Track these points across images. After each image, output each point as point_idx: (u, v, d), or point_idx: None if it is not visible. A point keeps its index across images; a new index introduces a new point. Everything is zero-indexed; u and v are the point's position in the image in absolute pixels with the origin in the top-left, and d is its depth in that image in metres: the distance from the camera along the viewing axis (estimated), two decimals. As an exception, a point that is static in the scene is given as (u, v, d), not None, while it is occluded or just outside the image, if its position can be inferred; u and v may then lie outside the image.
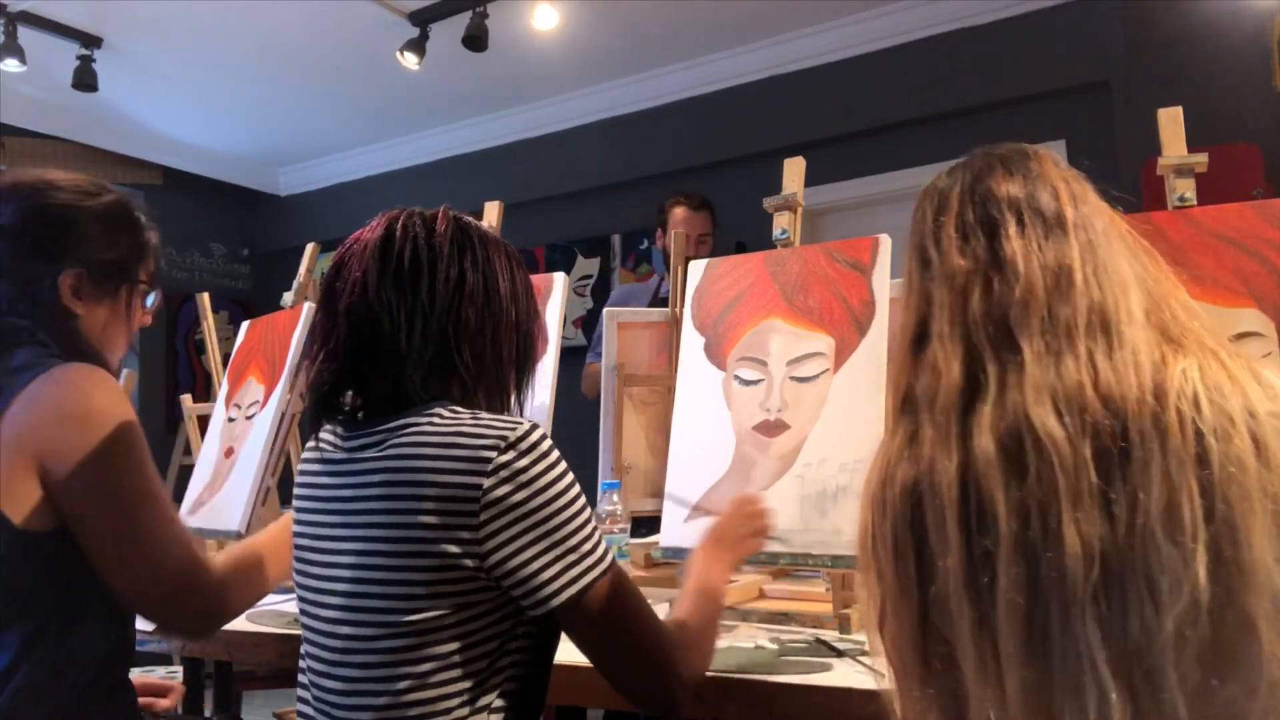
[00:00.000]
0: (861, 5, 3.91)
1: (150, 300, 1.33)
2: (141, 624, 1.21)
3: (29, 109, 4.69)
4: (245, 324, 2.42)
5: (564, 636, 1.07)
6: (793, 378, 1.58)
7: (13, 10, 3.85)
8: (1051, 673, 0.70)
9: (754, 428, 1.58)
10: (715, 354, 1.69)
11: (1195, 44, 3.21)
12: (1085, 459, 0.71)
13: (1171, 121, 1.46)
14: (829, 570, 1.43)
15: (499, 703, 1.00)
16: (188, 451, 2.59)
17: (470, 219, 1.15)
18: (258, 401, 2.16)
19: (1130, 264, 0.81)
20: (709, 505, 1.56)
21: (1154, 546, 0.68)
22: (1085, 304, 0.78)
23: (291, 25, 4.00)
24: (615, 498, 1.50)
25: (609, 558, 1.02)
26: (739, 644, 1.33)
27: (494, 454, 0.97)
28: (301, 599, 1.09)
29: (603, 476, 1.96)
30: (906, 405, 0.83)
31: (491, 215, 2.03)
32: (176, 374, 5.57)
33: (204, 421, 2.42)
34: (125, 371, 1.95)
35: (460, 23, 3.76)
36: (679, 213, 3.13)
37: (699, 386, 1.68)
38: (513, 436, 0.98)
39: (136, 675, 1.29)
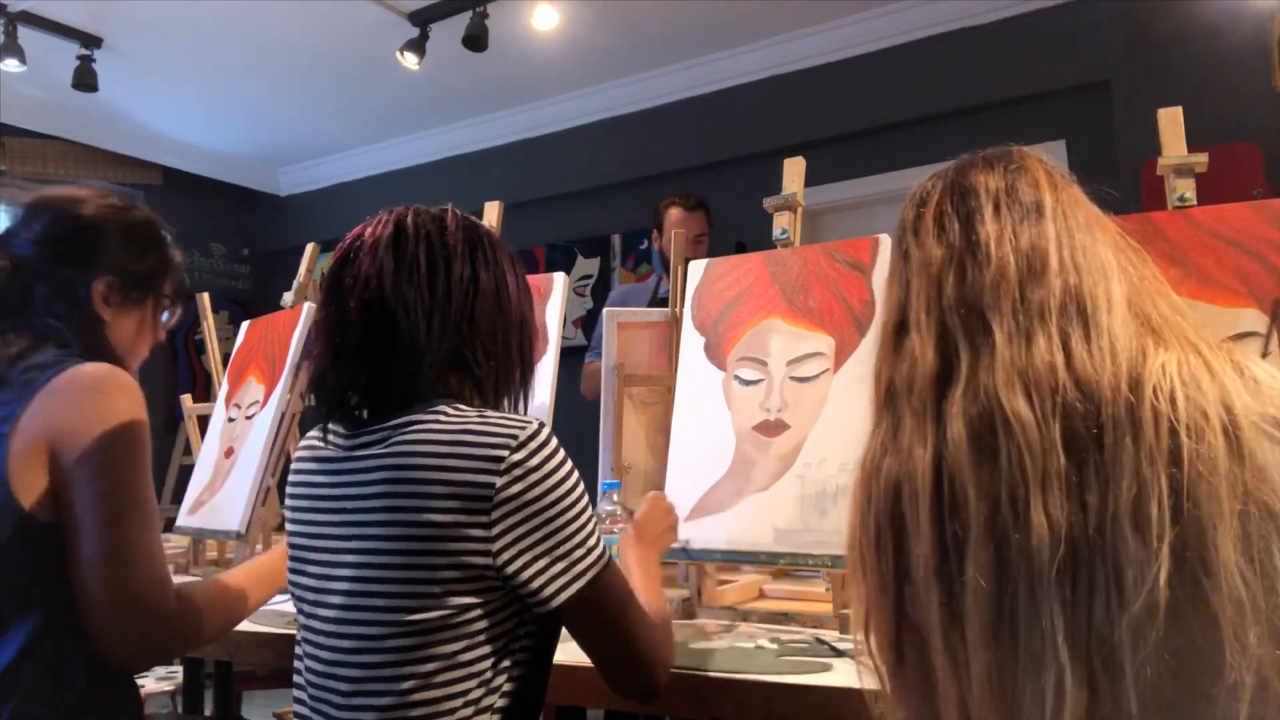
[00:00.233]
0: (861, 5, 3.92)
1: (166, 316, 1.37)
2: None
3: (29, 109, 4.69)
4: (245, 324, 2.43)
5: (562, 636, 1.07)
6: (793, 378, 1.58)
7: (13, 10, 3.86)
8: (1016, 656, 0.71)
9: (754, 428, 1.58)
10: (715, 354, 1.69)
11: (1195, 44, 3.21)
12: (1054, 441, 0.71)
13: (1171, 121, 1.46)
14: (829, 570, 1.44)
15: (501, 703, 1.00)
16: (188, 451, 2.59)
17: (475, 219, 1.16)
18: (258, 401, 2.16)
19: (1115, 256, 0.81)
20: (709, 505, 1.56)
21: (1122, 539, 0.68)
22: (1060, 285, 0.77)
23: (291, 25, 4.00)
24: (615, 498, 1.50)
25: (607, 553, 1.03)
26: (739, 644, 1.33)
27: (506, 452, 0.97)
28: (298, 599, 1.09)
29: (603, 476, 1.96)
30: (888, 397, 0.83)
31: (491, 215, 2.03)
32: (176, 374, 5.57)
33: (204, 421, 2.42)
34: (125, 371, 1.94)
35: (460, 23, 3.76)
36: (674, 213, 3.13)
37: (699, 386, 1.68)
38: (523, 435, 0.99)
39: None
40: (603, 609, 1.01)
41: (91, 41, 4.12)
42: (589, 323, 4.68)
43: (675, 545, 1.48)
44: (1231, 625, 0.65)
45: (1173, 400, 0.70)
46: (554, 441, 1.01)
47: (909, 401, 0.80)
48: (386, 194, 5.28)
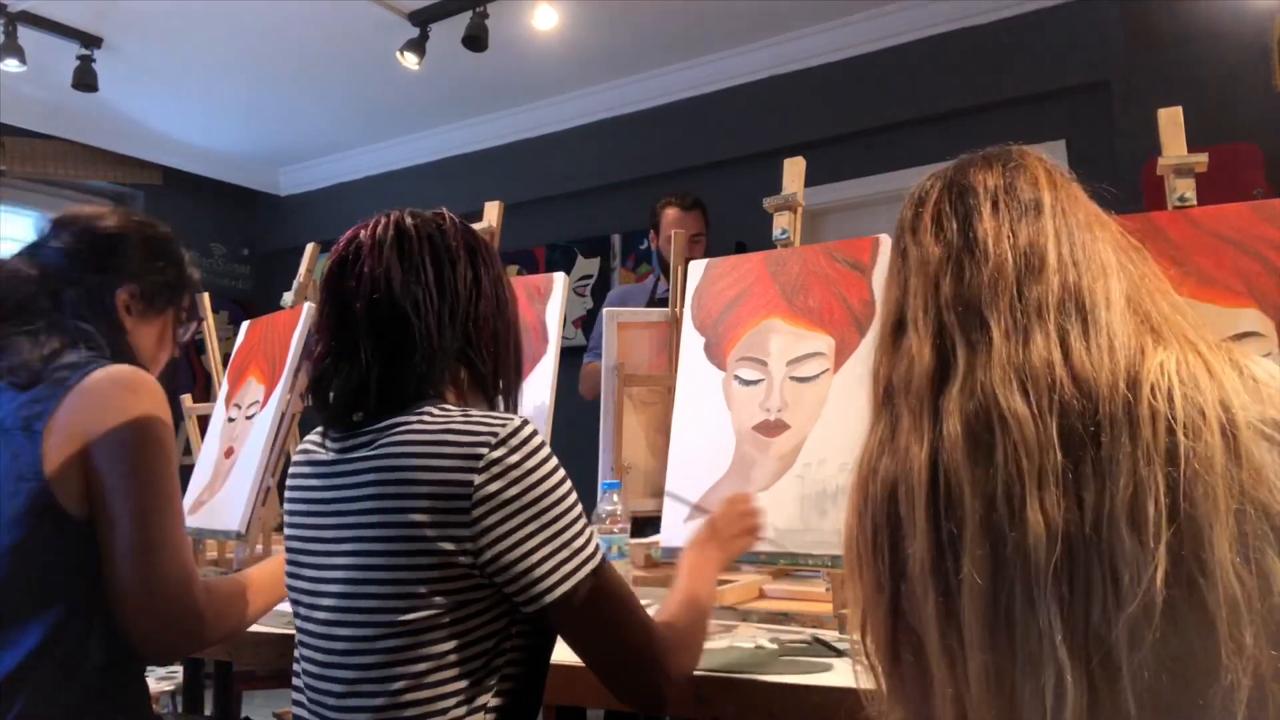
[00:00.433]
0: (861, 5, 3.91)
1: (182, 330, 1.43)
2: None
3: (29, 109, 4.69)
4: (245, 324, 2.43)
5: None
6: (793, 378, 1.58)
7: (13, 10, 3.85)
8: (1013, 655, 0.70)
9: (754, 428, 1.58)
10: (715, 354, 1.69)
11: (1195, 44, 3.21)
12: (1050, 437, 0.71)
13: (1171, 121, 1.46)
14: (829, 570, 1.44)
15: (495, 702, 1.00)
16: (188, 451, 2.59)
17: (468, 224, 1.17)
18: (258, 401, 2.16)
19: (1115, 254, 0.81)
20: (709, 505, 1.56)
21: (1118, 537, 0.68)
22: (1058, 282, 0.77)
23: (292, 25, 4.00)
24: (615, 498, 1.50)
25: (600, 554, 1.02)
26: (739, 644, 1.33)
27: (484, 450, 0.97)
28: (295, 602, 1.09)
29: (603, 476, 1.96)
30: (886, 396, 0.83)
31: (491, 215, 2.03)
32: (176, 374, 5.57)
33: (204, 421, 2.42)
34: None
35: (460, 23, 3.76)
36: (670, 214, 3.11)
37: (699, 386, 1.68)
38: (504, 432, 0.98)
39: None
40: (592, 611, 0.99)
41: (91, 41, 4.11)
42: (589, 323, 4.68)
43: (669, 545, 1.46)
44: (1227, 626, 0.65)
45: (1170, 399, 0.70)
46: (538, 438, 1.00)
47: (906, 400, 0.80)
48: (386, 194, 5.28)
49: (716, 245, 3.22)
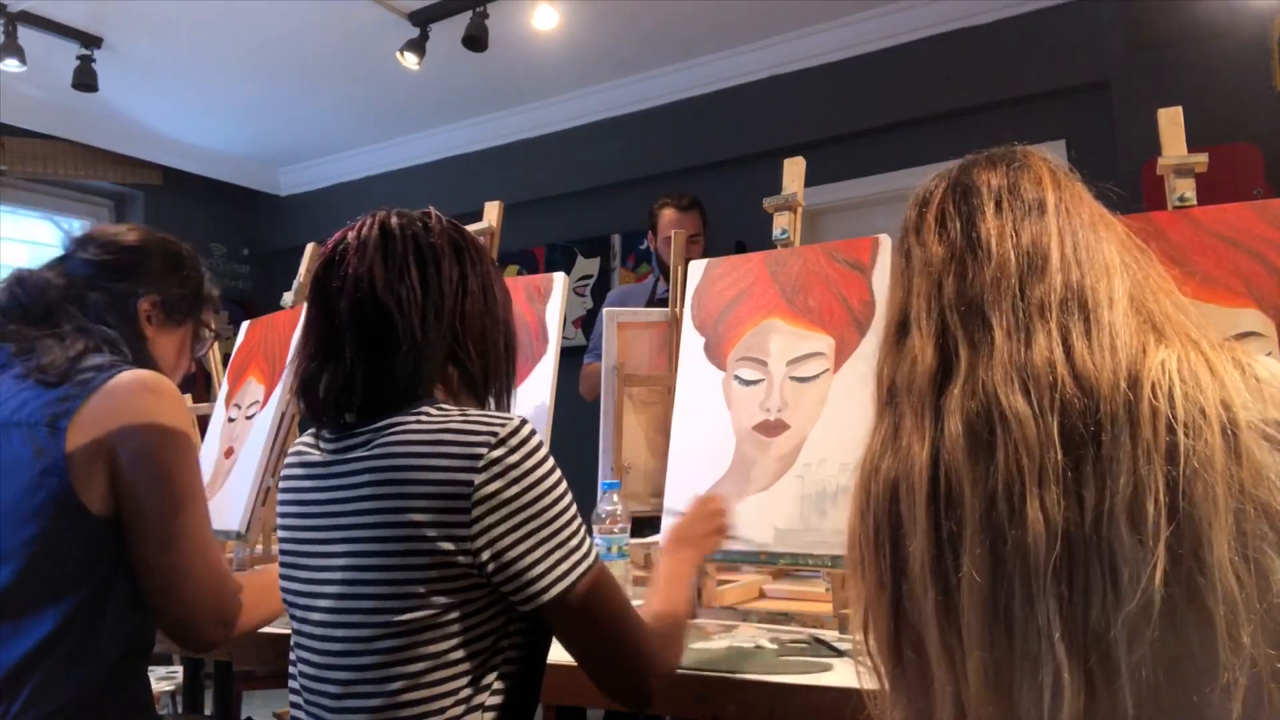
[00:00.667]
0: (861, 5, 3.92)
1: (199, 347, 1.49)
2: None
3: (29, 109, 4.69)
4: (245, 324, 2.43)
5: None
6: (793, 378, 1.58)
7: (13, 10, 3.85)
8: (1012, 652, 0.71)
9: (754, 428, 1.58)
10: (715, 354, 1.69)
11: (1195, 44, 3.21)
12: (1051, 436, 0.71)
13: (1171, 121, 1.46)
14: (829, 570, 1.44)
15: (493, 701, 1.00)
16: (188, 451, 2.58)
17: (456, 222, 1.16)
18: (258, 401, 2.17)
19: (1119, 253, 0.81)
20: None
21: (1118, 536, 0.68)
22: (1060, 281, 0.77)
23: (292, 25, 4.00)
24: (615, 498, 1.50)
25: (594, 553, 1.02)
26: (739, 644, 1.33)
27: (484, 450, 0.97)
28: (290, 604, 1.09)
29: (603, 476, 1.96)
30: (890, 396, 0.83)
31: (491, 215, 2.03)
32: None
33: (204, 421, 2.42)
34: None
35: (460, 23, 3.76)
36: (667, 214, 3.11)
37: (699, 386, 1.68)
38: (503, 432, 0.98)
39: None
40: (588, 611, 1.00)
41: (91, 41, 4.11)
42: (589, 323, 4.68)
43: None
44: (1225, 624, 0.65)
45: (1171, 397, 0.70)
46: (536, 439, 1.00)
47: (908, 400, 0.80)
48: (386, 194, 5.28)
49: (716, 245, 3.22)
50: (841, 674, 1.15)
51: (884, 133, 4.02)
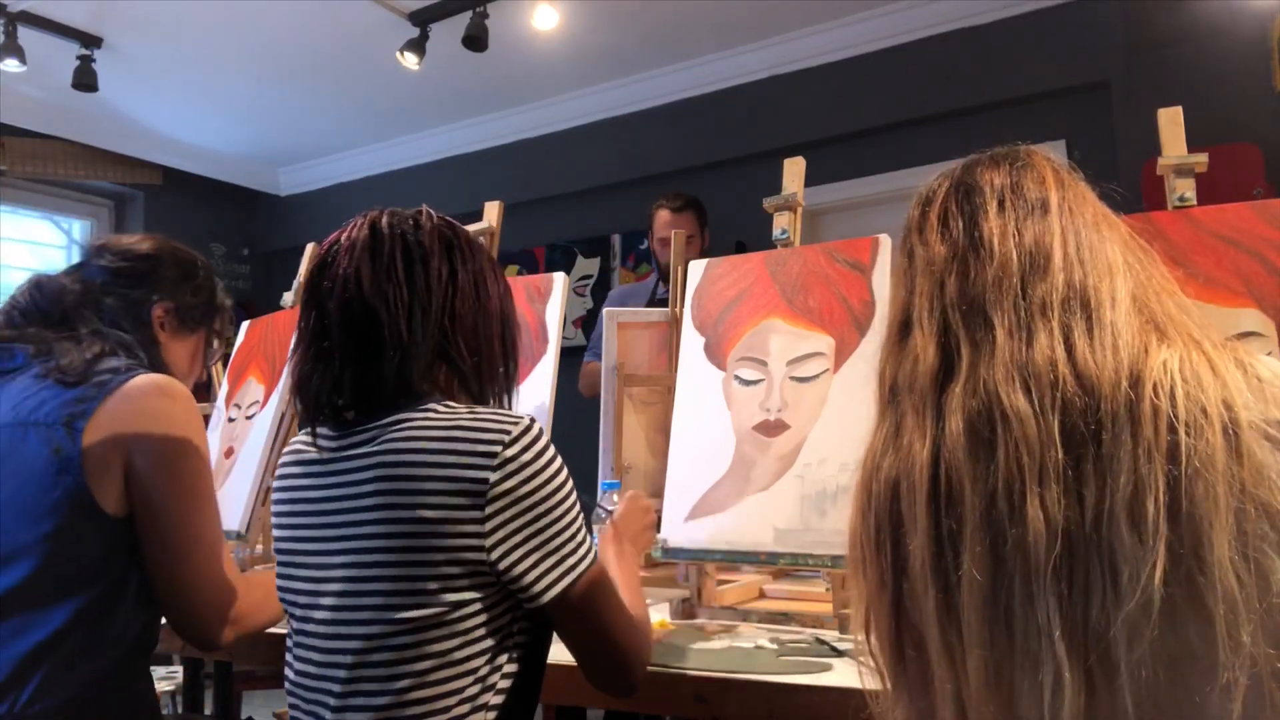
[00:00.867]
0: (861, 5, 3.91)
1: (211, 354, 1.53)
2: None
3: (29, 109, 4.68)
4: (245, 324, 2.43)
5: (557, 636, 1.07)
6: (793, 378, 1.58)
7: (13, 10, 3.85)
8: (1012, 651, 0.71)
9: (754, 428, 1.58)
10: (715, 354, 1.69)
11: (1195, 44, 3.21)
12: (1052, 434, 0.71)
13: (1171, 121, 1.46)
14: (829, 570, 1.44)
15: (496, 700, 1.00)
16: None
17: (451, 220, 1.16)
18: (258, 401, 2.17)
19: (1122, 253, 0.81)
20: (709, 505, 1.56)
21: (1118, 535, 0.68)
22: (1063, 280, 0.77)
23: (292, 25, 4.00)
24: (615, 498, 1.50)
25: (594, 551, 1.04)
26: (739, 644, 1.33)
27: (500, 447, 0.97)
28: (290, 603, 1.09)
29: (603, 476, 1.96)
30: (892, 395, 0.83)
31: (491, 215, 2.03)
32: (176, 374, 5.56)
33: (204, 421, 2.42)
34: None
35: (460, 23, 3.76)
36: (662, 215, 3.10)
37: (699, 386, 1.68)
38: (516, 431, 0.99)
39: None
40: (590, 606, 1.02)
41: (91, 41, 4.11)
42: (589, 323, 4.68)
43: (669, 546, 1.49)
44: (1225, 624, 0.65)
45: (1173, 396, 0.70)
46: (545, 438, 1.02)
47: (910, 399, 0.80)
48: (386, 194, 5.28)
49: (717, 245, 3.22)
50: (842, 674, 1.15)
51: (884, 133, 4.02)
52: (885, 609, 0.80)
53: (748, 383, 1.62)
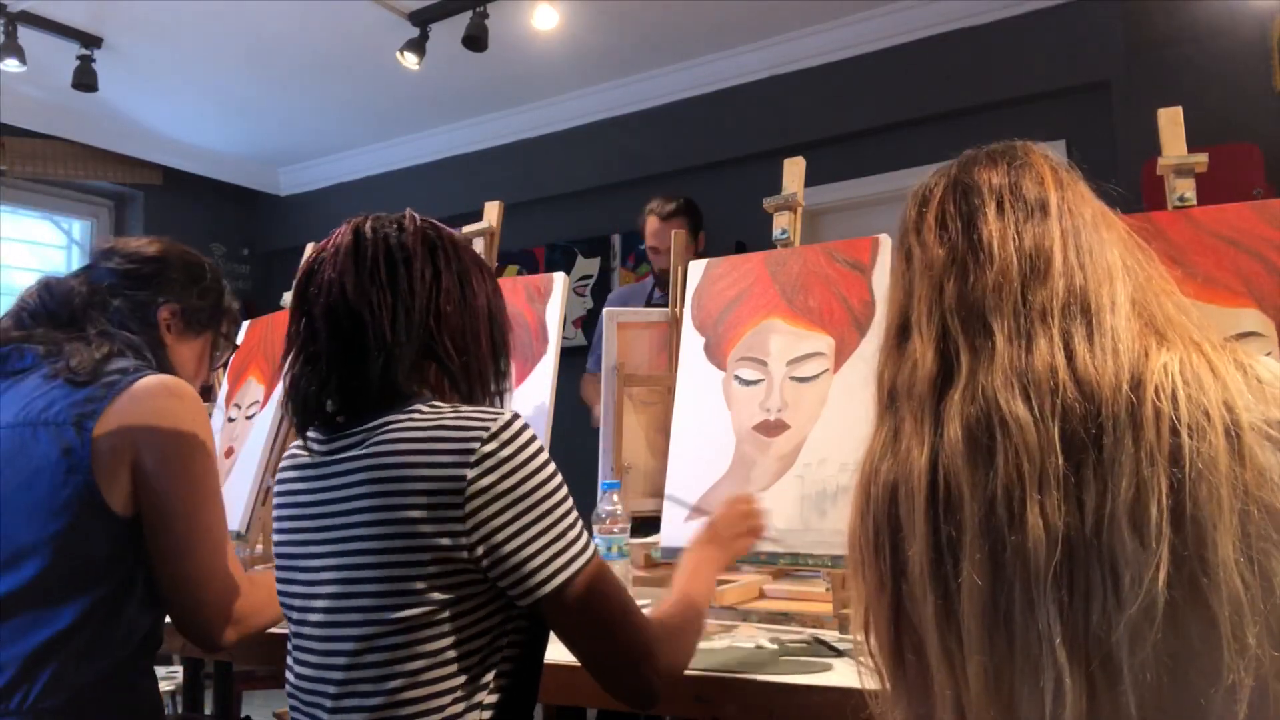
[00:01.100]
0: (861, 5, 3.91)
1: (218, 357, 1.53)
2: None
3: (29, 109, 4.69)
4: (245, 324, 2.42)
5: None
6: (793, 378, 1.58)
7: (13, 10, 3.85)
8: (1012, 657, 0.70)
9: (754, 428, 1.58)
10: (715, 354, 1.69)
11: (1195, 44, 3.21)
12: (1052, 441, 0.71)
13: (1171, 121, 1.46)
14: (829, 570, 1.43)
15: (492, 698, 1.00)
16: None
17: (435, 221, 1.16)
18: (258, 401, 2.17)
19: (1121, 255, 0.80)
20: (709, 505, 1.56)
21: (1119, 539, 0.68)
22: (1063, 285, 0.77)
23: (292, 25, 4.00)
24: (615, 498, 1.50)
25: (592, 548, 1.02)
26: (739, 644, 1.33)
27: (477, 444, 0.97)
28: (286, 605, 1.09)
29: (603, 476, 1.96)
30: (890, 399, 0.83)
31: (491, 215, 2.03)
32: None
33: (204, 421, 2.41)
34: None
35: (460, 23, 3.76)
36: (650, 222, 3.01)
37: (699, 386, 1.68)
38: (495, 426, 0.99)
39: None
40: (585, 605, 1.00)
41: (91, 41, 4.11)
42: (589, 323, 4.68)
43: (669, 545, 1.46)
44: (1230, 626, 0.65)
45: (1174, 400, 0.70)
46: (529, 432, 1.01)
47: (908, 404, 0.80)
48: (386, 194, 5.28)
49: (717, 245, 3.22)
50: (842, 674, 1.15)
51: (884, 133, 4.02)
52: (884, 612, 0.79)
53: (748, 383, 1.62)
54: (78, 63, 4.10)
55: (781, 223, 1.72)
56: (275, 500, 1.14)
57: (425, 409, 1.02)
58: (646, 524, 2.01)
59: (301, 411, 1.08)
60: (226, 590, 1.25)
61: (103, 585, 1.19)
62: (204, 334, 1.47)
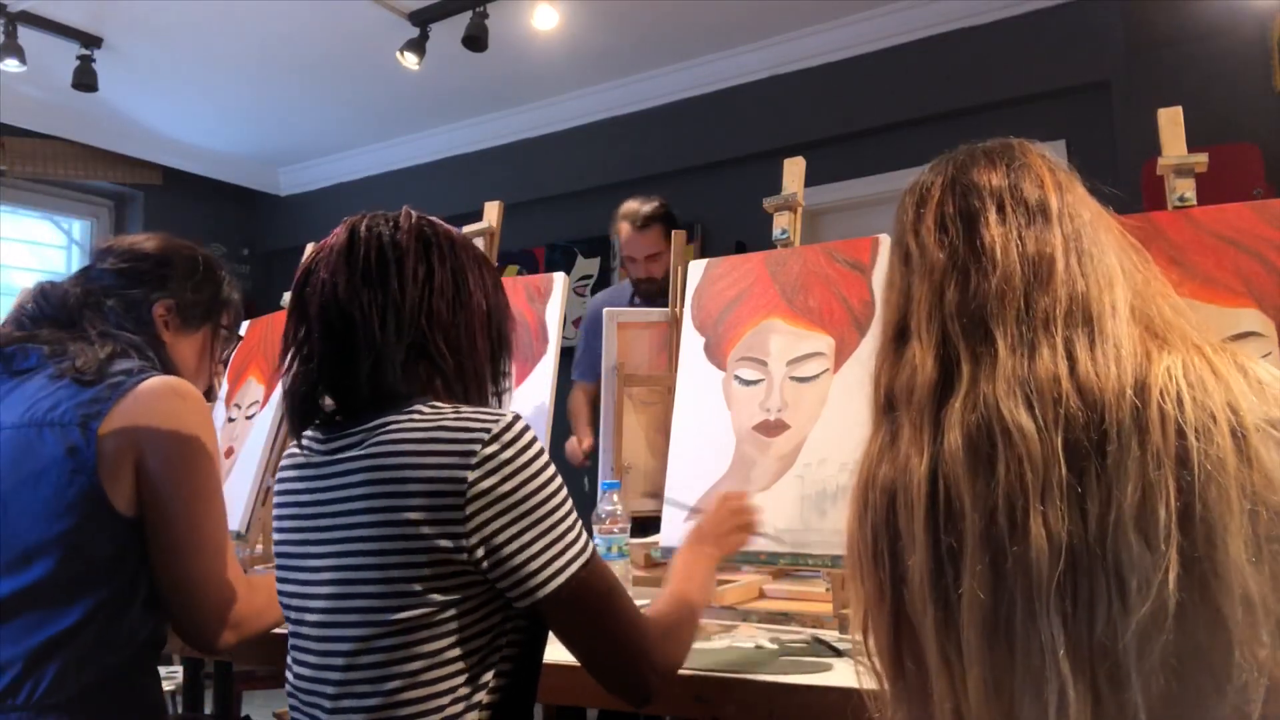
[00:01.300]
0: (861, 5, 3.91)
1: (222, 350, 1.52)
2: None
3: (29, 109, 4.69)
4: (245, 324, 2.42)
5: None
6: (793, 378, 1.58)
7: (13, 10, 3.85)
8: (1014, 669, 0.70)
9: (754, 428, 1.58)
10: (715, 354, 1.69)
11: (1195, 44, 3.21)
12: (1056, 451, 0.71)
13: (1171, 121, 1.46)
14: (829, 570, 1.44)
15: (490, 699, 1.00)
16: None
17: (434, 219, 1.15)
18: (258, 401, 2.17)
19: (1119, 258, 0.80)
20: (709, 505, 1.56)
21: (1125, 544, 0.68)
22: (1066, 293, 0.77)
23: (292, 25, 4.00)
24: (615, 498, 1.50)
25: (591, 548, 1.02)
26: (739, 644, 1.33)
27: (478, 446, 0.97)
28: (286, 605, 1.09)
29: (603, 476, 1.96)
30: (887, 404, 0.83)
31: (491, 215, 2.03)
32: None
33: (204, 421, 2.41)
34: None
35: (460, 23, 3.76)
36: (624, 230, 2.84)
37: (699, 386, 1.68)
38: (496, 428, 0.98)
39: None
40: (584, 605, 1.00)
41: (91, 41, 4.11)
42: (589, 323, 4.67)
43: (669, 545, 1.46)
44: (1241, 626, 0.65)
45: (1180, 402, 0.70)
46: (530, 434, 1.01)
47: (907, 411, 0.79)
48: (386, 194, 5.28)
49: (717, 245, 3.21)
50: (842, 674, 1.15)
51: (884, 133, 4.02)
52: (884, 620, 0.79)
53: (748, 383, 1.62)
54: (78, 63, 4.10)
55: (781, 223, 1.72)
56: (275, 500, 1.14)
57: (425, 409, 1.02)
58: (646, 524, 2.01)
59: (296, 412, 1.08)
60: (225, 594, 1.25)
61: (109, 585, 1.19)
62: (203, 328, 1.46)
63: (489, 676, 1.00)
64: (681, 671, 1.16)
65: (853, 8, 3.93)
